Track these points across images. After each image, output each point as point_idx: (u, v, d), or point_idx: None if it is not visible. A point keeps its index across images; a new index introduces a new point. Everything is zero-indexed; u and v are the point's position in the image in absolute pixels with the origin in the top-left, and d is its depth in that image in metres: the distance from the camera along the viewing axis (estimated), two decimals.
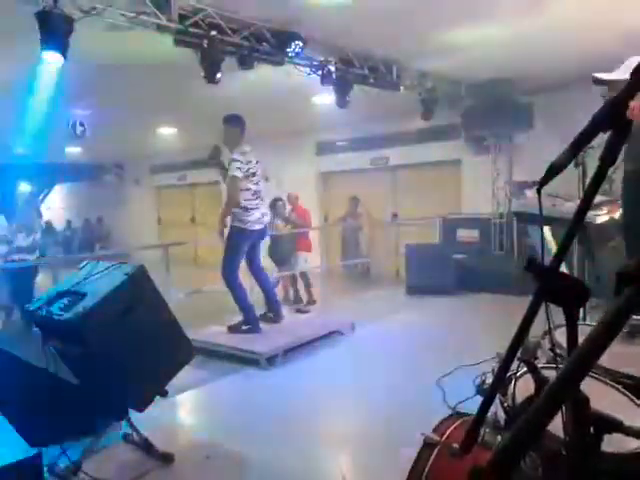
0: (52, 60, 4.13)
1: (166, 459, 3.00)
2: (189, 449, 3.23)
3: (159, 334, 2.94)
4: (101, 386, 2.84)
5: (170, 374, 3.06)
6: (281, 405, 3.88)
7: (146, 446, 3.05)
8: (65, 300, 2.83)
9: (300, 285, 7.71)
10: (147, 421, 3.11)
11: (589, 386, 0.98)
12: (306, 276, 7.69)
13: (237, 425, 3.55)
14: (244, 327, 5.17)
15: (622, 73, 2.43)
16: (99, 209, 16.89)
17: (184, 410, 4.08)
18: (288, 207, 7.81)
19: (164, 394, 3.04)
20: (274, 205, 7.37)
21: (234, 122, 5.06)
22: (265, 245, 7.90)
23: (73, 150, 12.26)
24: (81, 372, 2.96)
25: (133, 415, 3.04)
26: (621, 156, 2.50)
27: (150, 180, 15.73)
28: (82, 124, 8.32)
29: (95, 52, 4.95)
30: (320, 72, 6.02)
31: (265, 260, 7.84)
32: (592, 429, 1.02)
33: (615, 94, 0.89)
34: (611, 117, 0.88)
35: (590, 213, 3.11)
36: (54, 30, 3.90)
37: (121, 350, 2.73)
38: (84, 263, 3.29)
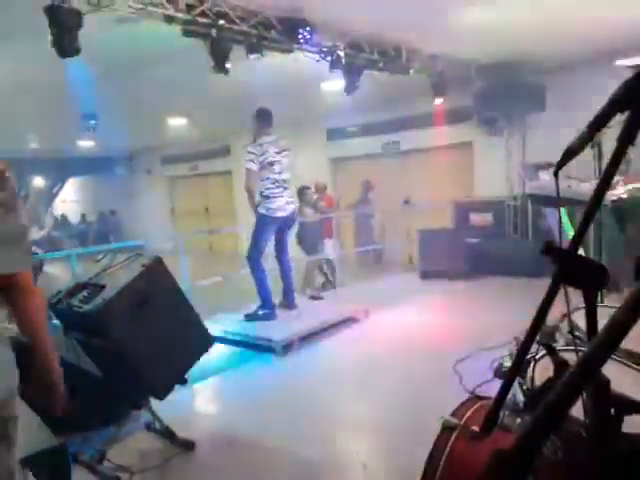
0: (62, 55, 4.15)
1: (188, 446, 3.06)
2: (210, 436, 3.29)
3: (177, 323, 2.98)
4: (122, 376, 2.89)
5: (189, 363, 3.11)
6: (298, 391, 3.92)
7: (168, 434, 3.11)
8: (85, 292, 2.88)
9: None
10: (168, 409, 3.16)
11: (609, 367, 0.98)
12: (331, 262, 7.91)
13: (256, 412, 3.60)
14: (261, 313, 5.23)
15: None
16: (113, 201, 17.05)
17: (204, 398, 4.14)
18: (315, 196, 7.98)
19: (184, 382, 3.09)
20: (302, 193, 7.54)
21: (253, 118, 5.25)
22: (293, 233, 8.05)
23: (85, 144, 12.34)
24: (102, 362, 3.01)
25: (154, 403, 3.10)
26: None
27: (162, 171, 15.81)
28: (94, 117, 8.38)
29: (105, 44, 4.96)
30: (329, 58, 5.98)
31: (293, 248, 8.04)
32: (612, 411, 1.02)
33: None
34: (629, 97, 0.87)
35: (610, 192, 3.07)
36: (63, 25, 3.92)
37: (141, 340, 2.77)
38: (102, 255, 3.34)
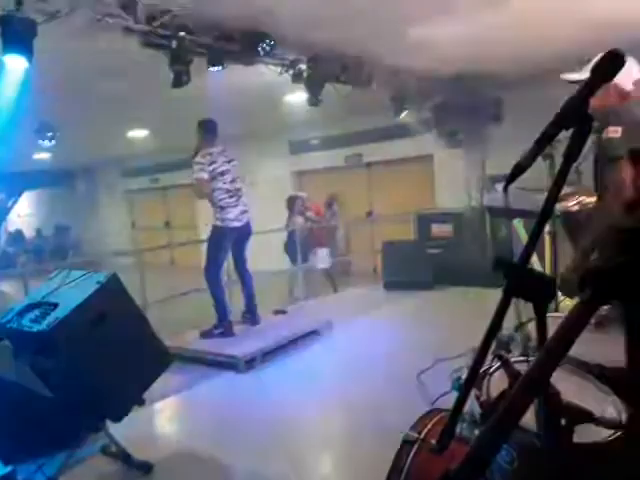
0: (15, 65, 4.04)
1: (145, 469, 2.96)
2: (169, 457, 3.19)
3: (134, 342, 2.90)
4: (76, 398, 2.78)
5: (147, 382, 3.02)
6: (261, 409, 3.86)
7: (124, 457, 3.01)
8: (36, 311, 2.77)
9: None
10: (125, 431, 3.06)
11: (560, 377, 0.99)
12: (327, 270, 8.36)
13: (217, 431, 3.52)
14: (216, 331, 5.14)
15: (586, 72, 2.48)
16: (71, 215, 16.59)
17: (163, 418, 4.03)
18: (308, 204, 8.39)
19: (142, 403, 3.00)
20: (291, 202, 7.75)
21: (198, 128, 5.21)
22: (281, 242, 8.11)
23: (42, 156, 12.00)
24: (55, 384, 2.89)
25: (111, 426, 2.99)
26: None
27: (122, 184, 15.51)
28: (50, 129, 8.15)
29: (61, 55, 4.85)
30: (291, 71, 6.01)
31: (282, 256, 8.12)
32: (564, 420, 1.04)
33: None
34: (573, 115, 0.89)
35: (561, 204, 3.16)
36: (17, 34, 3.81)
37: (95, 360, 2.68)
38: (55, 273, 3.23)
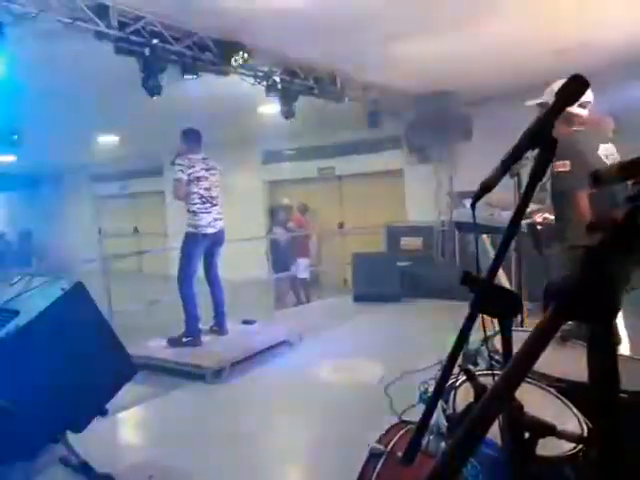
0: None
1: None
2: (131, 469, 3.11)
3: (98, 351, 2.83)
4: (35, 407, 2.69)
5: (110, 392, 2.95)
6: (228, 420, 3.81)
7: (85, 469, 2.91)
8: None
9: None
10: (86, 442, 2.97)
11: (524, 391, 1.01)
12: (304, 281, 8.42)
13: (182, 443, 3.45)
14: (185, 339, 5.07)
15: (549, 96, 2.57)
16: (36, 220, 16.14)
17: (126, 429, 3.93)
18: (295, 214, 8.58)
19: (104, 413, 2.92)
20: (273, 213, 7.62)
21: (182, 137, 5.19)
22: (254, 250, 8.12)
23: (6, 159, 11.68)
24: (13, 393, 2.80)
25: (71, 436, 2.91)
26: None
27: (91, 189, 15.21)
28: (15, 132, 7.93)
29: (31, 58, 4.75)
30: (265, 82, 6.03)
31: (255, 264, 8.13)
32: (527, 434, 1.06)
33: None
34: (538, 136, 0.92)
35: (524, 222, 3.25)
36: None
37: (57, 369, 2.61)
38: (17, 278, 3.13)
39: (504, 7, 4.72)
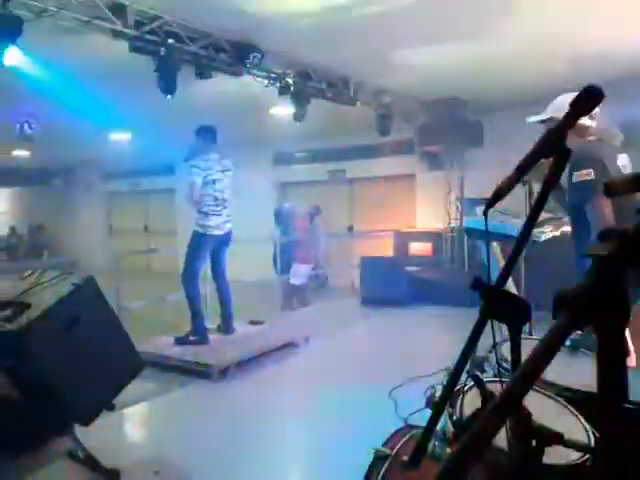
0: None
1: (112, 476, 2.90)
2: (137, 464, 3.13)
3: (107, 346, 2.85)
4: (43, 400, 2.72)
5: (118, 387, 2.97)
6: (233, 419, 3.83)
7: (91, 463, 2.94)
8: (8, 311, 2.71)
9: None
10: (93, 436, 2.99)
11: (532, 399, 1.02)
12: (297, 288, 8.27)
13: (187, 439, 3.47)
14: (192, 338, 5.10)
15: (551, 112, 2.55)
16: (47, 215, 16.28)
17: (133, 424, 3.96)
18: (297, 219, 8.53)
19: (111, 408, 2.94)
20: (276, 215, 7.96)
21: (197, 133, 5.20)
22: (265, 252, 8.16)
23: (21, 153, 11.80)
24: (23, 386, 2.83)
25: (78, 430, 2.93)
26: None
27: (102, 186, 15.31)
28: (31, 126, 8.02)
29: (49, 54, 4.80)
30: (278, 84, 6.05)
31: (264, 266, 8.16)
32: (534, 442, 1.06)
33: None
34: (551, 145, 0.93)
35: (536, 230, 3.23)
36: (1, 30, 3.79)
37: (66, 363, 2.63)
38: (29, 272, 3.17)
39: (520, 15, 4.71)
